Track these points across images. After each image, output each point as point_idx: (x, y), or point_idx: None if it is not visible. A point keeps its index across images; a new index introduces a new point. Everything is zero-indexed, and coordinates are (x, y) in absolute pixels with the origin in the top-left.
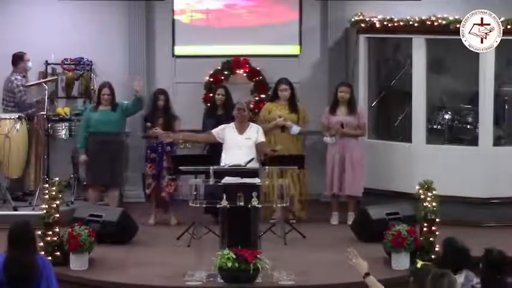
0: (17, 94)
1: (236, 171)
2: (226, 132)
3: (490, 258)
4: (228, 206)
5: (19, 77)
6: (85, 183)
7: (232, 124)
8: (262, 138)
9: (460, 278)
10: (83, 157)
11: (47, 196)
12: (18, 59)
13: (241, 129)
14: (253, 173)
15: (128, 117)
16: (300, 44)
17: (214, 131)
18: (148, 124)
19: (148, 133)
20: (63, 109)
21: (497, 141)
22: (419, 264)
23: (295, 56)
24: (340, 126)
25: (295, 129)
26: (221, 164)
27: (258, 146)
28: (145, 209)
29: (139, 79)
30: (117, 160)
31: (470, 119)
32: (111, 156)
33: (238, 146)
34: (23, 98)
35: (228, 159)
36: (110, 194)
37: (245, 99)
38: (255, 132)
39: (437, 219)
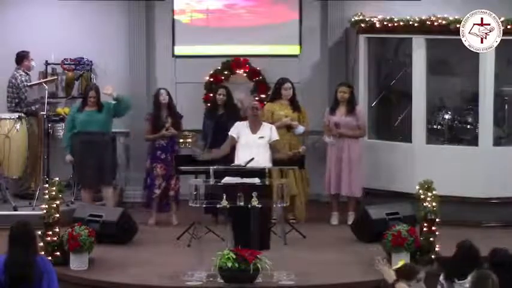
0: (22, 89)
1: (245, 171)
2: (240, 131)
3: (497, 258)
4: (228, 206)
5: (23, 73)
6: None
7: (245, 123)
8: (276, 136)
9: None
10: (68, 157)
11: (47, 196)
12: (22, 58)
13: (254, 129)
14: (262, 173)
15: (118, 117)
16: (300, 44)
17: (232, 132)
18: (168, 124)
19: (163, 134)
20: (63, 109)
21: (497, 141)
22: (401, 263)
23: (295, 56)
24: (335, 126)
25: (301, 129)
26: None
27: (273, 145)
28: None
29: (107, 87)
30: (104, 159)
31: (470, 119)
32: (98, 156)
33: (251, 145)
34: (26, 95)
35: (240, 158)
36: (103, 192)
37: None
38: (268, 131)
39: (437, 219)
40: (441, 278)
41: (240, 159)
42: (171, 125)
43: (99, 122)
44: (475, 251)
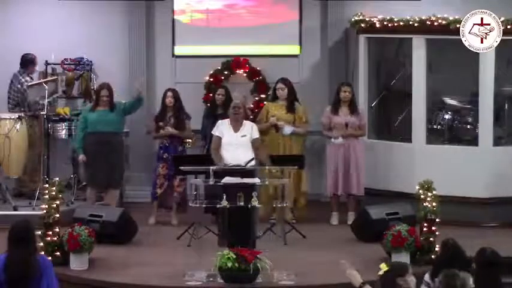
0: (25, 94)
1: (234, 171)
2: (223, 130)
3: (483, 258)
4: (228, 206)
5: (28, 78)
6: (84, 183)
7: (227, 121)
8: (256, 135)
9: None
10: (81, 157)
11: (47, 196)
12: (28, 62)
13: (236, 127)
14: (250, 173)
15: (126, 115)
16: (300, 44)
17: (216, 132)
18: (161, 124)
19: (161, 133)
20: (63, 109)
21: (497, 141)
22: (384, 268)
23: (295, 56)
24: (345, 127)
25: (288, 129)
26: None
27: (252, 143)
28: (147, 208)
29: (141, 77)
30: (116, 160)
31: (470, 119)
32: (109, 156)
33: (234, 144)
34: (30, 98)
35: (225, 157)
36: (109, 194)
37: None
38: (249, 129)
39: (437, 219)
40: (426, 277)
41: (225, 158)
42: (175, 126)
43: (111, 121)
44: (458, 249)
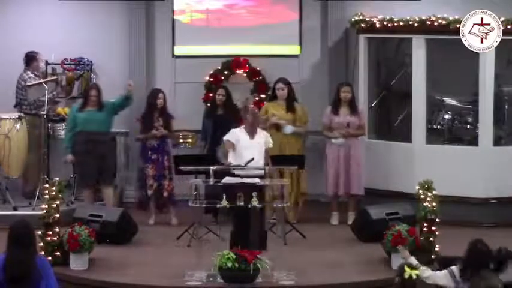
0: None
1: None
2: (239, 136)
3: (499, 256)
4: (227, 206)
5: (32, 75)
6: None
7: (241, 128)
8: (270, 143)
9: None
10: (68, 157)
11: (47, 196)
12: (31, 59)
13: (251, 134)
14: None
15: (116, 114)
16: (300, 44)
17: (230, 139)
18: (156, 124)
19: (151, 134)
20: (63, 109)
21: (497, 141)
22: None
23: (295, 56)
24: (347, 127)
25: (288, 128)
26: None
27: (266, 150)
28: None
29: (131, 82)
30: (105, 159)
31: (470, 119)
32: (99, 155)
33: (251, 149)
34: (40, 96)
35: (246, 157)
36: (103, 193)
37: (243, 98)
38: (264, 137)
39: (437, 219)
40: (455, 272)
41: (245, 158)
42: (163, 126)
43: (100, 121)
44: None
